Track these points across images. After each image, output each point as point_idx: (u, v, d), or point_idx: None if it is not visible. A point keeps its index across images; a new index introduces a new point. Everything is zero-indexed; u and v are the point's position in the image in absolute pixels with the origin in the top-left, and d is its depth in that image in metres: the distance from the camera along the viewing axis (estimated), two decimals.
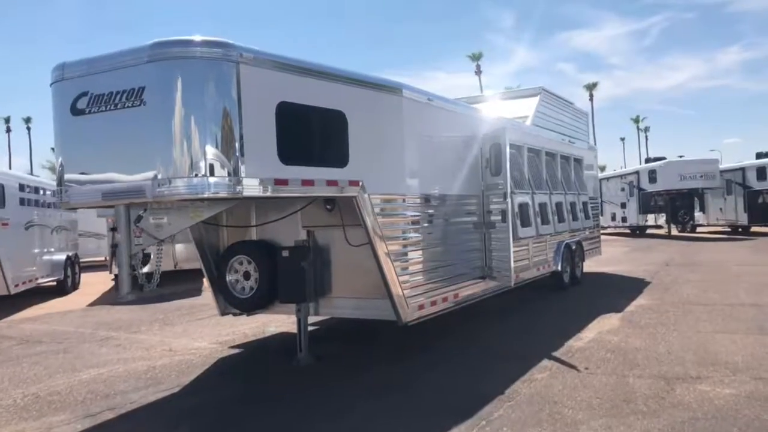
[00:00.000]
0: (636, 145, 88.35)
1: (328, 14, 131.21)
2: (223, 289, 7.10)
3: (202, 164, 4.71)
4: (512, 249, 7.75)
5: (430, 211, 7.31)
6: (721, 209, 25.05)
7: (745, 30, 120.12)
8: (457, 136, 7.92)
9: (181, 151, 4.71)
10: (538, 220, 9.86)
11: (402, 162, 6.64)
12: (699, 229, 27.27)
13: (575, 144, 12.63)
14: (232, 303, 7.13)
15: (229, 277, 7.07)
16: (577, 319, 8.51)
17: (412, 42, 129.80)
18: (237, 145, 4.80)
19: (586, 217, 12.54)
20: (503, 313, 9.30)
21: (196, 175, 4.71)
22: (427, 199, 7.30)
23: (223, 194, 4.79)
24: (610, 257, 17.46)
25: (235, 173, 4.81)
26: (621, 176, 27.57)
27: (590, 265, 14.17)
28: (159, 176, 4.70)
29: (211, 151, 4.73)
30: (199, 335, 8.39)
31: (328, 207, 6.39)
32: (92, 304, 11.79)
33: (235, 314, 7.38)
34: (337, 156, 5.71)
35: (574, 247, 11.80)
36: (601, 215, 28.72)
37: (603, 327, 8.00)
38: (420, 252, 6.93)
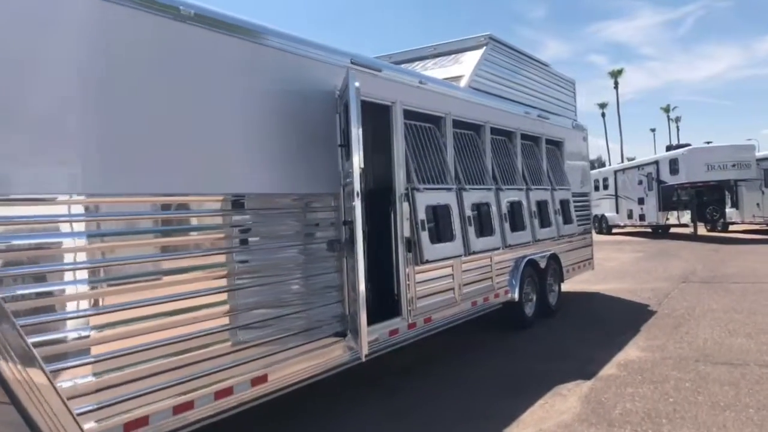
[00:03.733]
0: (667, 137, 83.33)
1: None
2: None
3: None
4: (363, 293, 4.32)
5: (222, 223, 4.02)
6: (758, 204, 21.09)
7: None
8: (287, 91, 4.53)
9: None
10: (471, 229, 6.45)
11: (87, 130, 3.30)
12: (731, 228, 23.32)
13: (550, 120, 9.15)
14: None
15: None
16: (510, 399, 5.13)
17: (443, 37, 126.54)
18: None
19: (567, 220, 9.07)
20: (390, 383, 5.94)
21: None
22: (237, 204, 4.04)
23: None
24: (613, 267, 13.90)
25: None
26: (638, 167, 23.69)
27: (580, 282, 10.71)
28: None
29: None
30: None
31: None
32: None
33: None
34: None
35: (543, 265, 8.34)
36: (617, 212, 25.07)
37: (545, 422, 4.60)
38: (153, 305, 3.61)
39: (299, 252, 4.54)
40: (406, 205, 5.56)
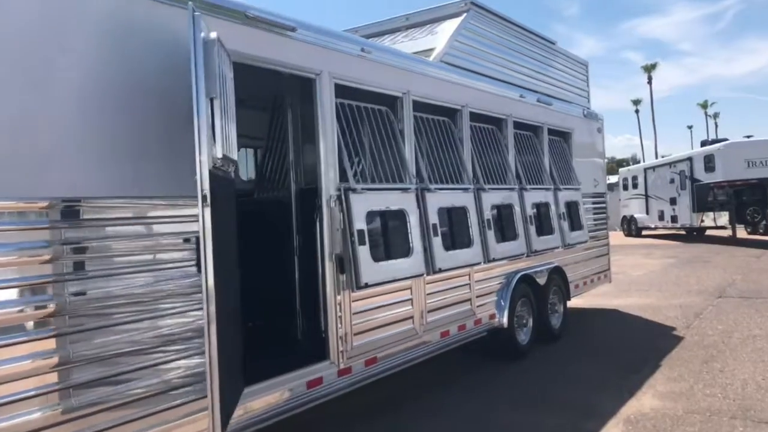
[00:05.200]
0: (704, 134, 79.99)
1: None
2: None
3: None
4: (214, 340, 2.91)
5: None
6: None
7: None
8: (142, 54, 3.19)
9: None
10: (437, 241, 5.04)
11: None
12: None
13: (555, 107, 7.66)
14: None
15: None
16: None
17: None
18: None
19: (574, 226, 7.58)
20: None
21: None
22: (69, 212, 2.85)
23: None
24: (639, 277, 12.28)
25: None
26: (670, 164, 21.80)
27: (597, 296, 9.21)
28: None
29: None
30: None
31: None
32: None
33: None
34: None
35: (543, 280, 6.88)
36: (647, 213, 23.21)
37: None
38: None
39: (159, 279, 3.21)
40: (337, 211, 4.19)
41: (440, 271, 5.08)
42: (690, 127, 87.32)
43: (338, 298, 4.21)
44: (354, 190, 4.28)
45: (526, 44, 7.40)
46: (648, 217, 23.16)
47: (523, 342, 6.52)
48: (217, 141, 2.81)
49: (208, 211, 2.72)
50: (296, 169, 4.78)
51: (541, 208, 6.90)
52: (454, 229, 5.38)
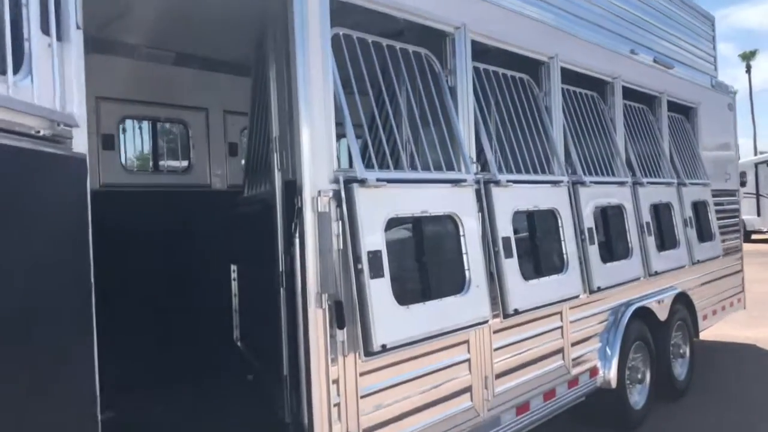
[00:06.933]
0: None
1: None
2: None
3: None
4: None
5: None
6: None
7: None
8: None
9: None
10: (510, 265, 3.13)
11: None
12: None
13: (675, 72, 5.55)
14: None
15: None
16: None
17: None
18: None
19: (705, 235, 5.48)
20: None
21: None
22: None
23: None
24: (765, 293, 9.78)
25: None
26: None
27: (722, 322, 6.99)
28: None
29: None
30: None
31: None
32: None
33: None
34: None
35: (664, 315, 4.81)
36: (758, 215, 20.09)
37: None
38: None
39: None
40: (331, 218, 2.37)
41: (516, 312, 3.18)
42: None
43: (332, 371, 2.40)
44: (363, 182, 2.45)
45: None
46: (760, 220, 20.03)
47: (636, 405, 4.49)
48: None
49: None
50: (281, 151, 2.99)
51: (662, 211, 4.85)
52: (537, 244, 3.47)
